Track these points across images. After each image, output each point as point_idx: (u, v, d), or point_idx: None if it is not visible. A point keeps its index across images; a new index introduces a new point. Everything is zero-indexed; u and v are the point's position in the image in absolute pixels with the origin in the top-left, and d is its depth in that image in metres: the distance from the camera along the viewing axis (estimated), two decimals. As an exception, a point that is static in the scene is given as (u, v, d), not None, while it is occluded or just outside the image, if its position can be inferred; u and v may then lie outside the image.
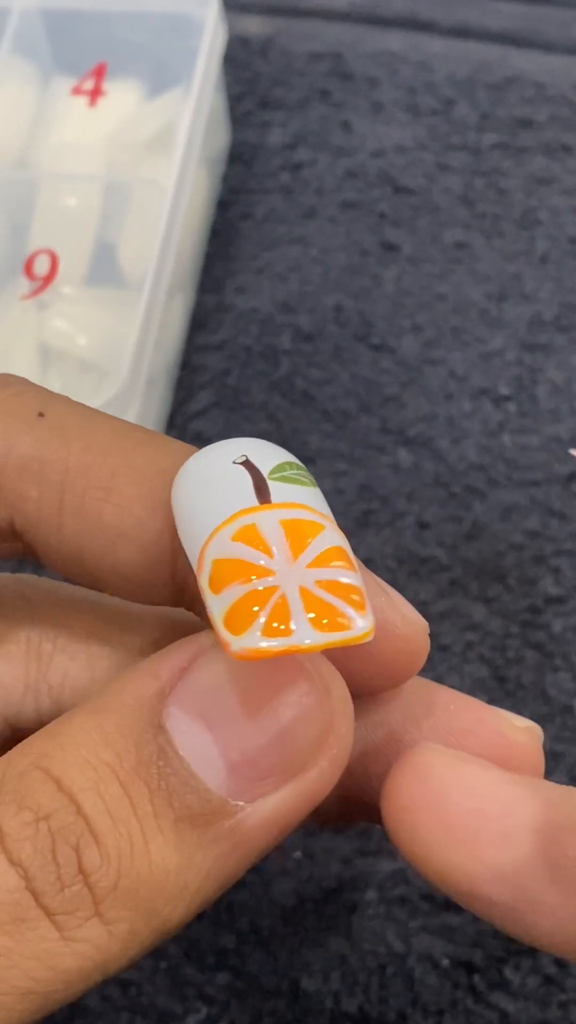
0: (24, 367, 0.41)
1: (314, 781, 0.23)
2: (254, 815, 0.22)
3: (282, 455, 0.23)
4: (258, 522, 0.22)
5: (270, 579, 0.21)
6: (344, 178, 0.47)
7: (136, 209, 0.42)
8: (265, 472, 0.22)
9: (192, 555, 0.22)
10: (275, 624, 0.21)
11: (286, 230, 0.47)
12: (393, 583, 0.40)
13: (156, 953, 0.35)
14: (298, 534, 0.22)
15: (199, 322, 0.45)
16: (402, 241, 0.46)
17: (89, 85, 0.45)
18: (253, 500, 0.22)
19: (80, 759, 0.22)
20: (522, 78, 0.49)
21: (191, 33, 0.44)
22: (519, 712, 0.38)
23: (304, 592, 0.21)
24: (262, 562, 0.21)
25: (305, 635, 0.21)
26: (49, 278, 0.42)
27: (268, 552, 0.21)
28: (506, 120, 0.48)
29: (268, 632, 0.21)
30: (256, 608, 0.21)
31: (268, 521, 0.22)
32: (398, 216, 0.47)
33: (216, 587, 0.21)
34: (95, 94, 0.45)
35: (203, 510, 0.22)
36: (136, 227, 0.42)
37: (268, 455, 0.23)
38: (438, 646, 0.39)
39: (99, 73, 0.45)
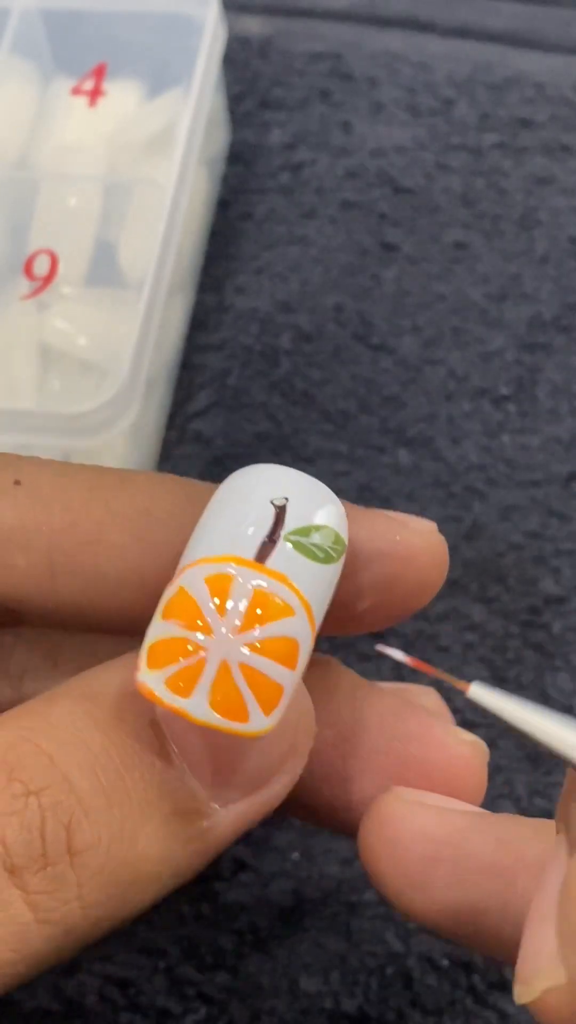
0: (24, 367, 0.41)
1: (275, 794, 0.24)
2: (225, 819, 0.23)
3: (327, 516, 0.23)
4: (236, 577, 0.22)
5: (204, 638, 0.21)
6: (344, 178, 0.47)
7: (136, 209, 0.42)
8: (289, 527, 0.23)
9: (181, 562, 0.22)
10: (180, 683, 0.21)
11: (286, 230, 0.47)
12: (393, 583, 0.40)
13: (155, 953, 0.35)
14: (260, 608, 0.22)
15: (199, 322, 0.45)
16: (402, 241, 0.46)
17: (89, 85, 0.45)
18: (252, 553, 0.22)
19: (75, 739, 0.22)
20: (522, 78, 0.49)
21: (191, 33, 0.44)
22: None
23: (224, 669, 0.21)
24: (209, 619, 0.22)
25: (196, 708, 0.21)
26: (49, 278, 0.42)
27: (221, 611, 0.22)
28: (506, 120, 0.48)
29: (171, 685, 0.21)
30: (175, 656, 0.21)
31: (243, 582, 0.22)
32: (398, 216, 0.47)
33: (166, 613, 0.22)
34: (95, 94, 0.45)
35: (212, 533, 0.23)
36: (136, 227, 0.42)
37: (307, 508, 0.23)
38: (437, 647, 0.39)
39: (99, 73, 0.45)
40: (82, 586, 0.24)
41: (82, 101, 0.45)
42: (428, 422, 0.43)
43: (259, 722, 0.22)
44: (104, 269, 0.42)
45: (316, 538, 0.23)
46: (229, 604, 0.22)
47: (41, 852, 0.21)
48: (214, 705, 0.21)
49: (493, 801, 0.32)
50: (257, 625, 0.22)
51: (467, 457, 0.42)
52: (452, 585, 0.40)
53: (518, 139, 0.48)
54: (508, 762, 0.38)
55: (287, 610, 0.22)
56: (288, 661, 0.22)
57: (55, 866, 0.21)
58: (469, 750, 0.27)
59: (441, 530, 0.41)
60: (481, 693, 0.22)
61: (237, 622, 0.22)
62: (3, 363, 0.41)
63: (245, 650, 0.22)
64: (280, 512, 0.23)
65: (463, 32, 0.51)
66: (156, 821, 0.22)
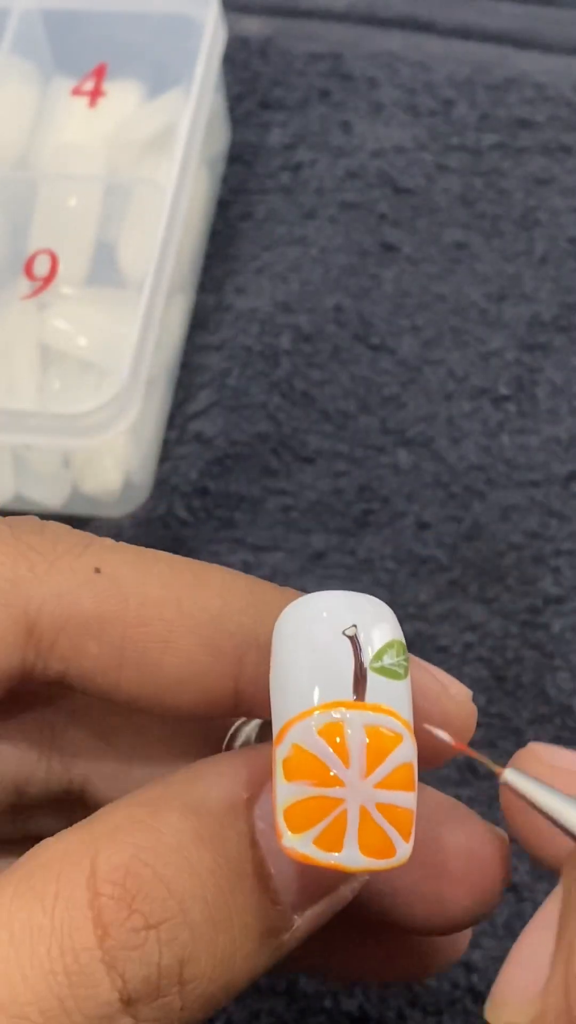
0: (24, 367, 0.41)
1: (343, 897, 0.24)
2: (302, 927, 0.24)
3: (388, 629, 0.24)
4: (346, 722, 0.23)
5: (339, 790, 0.22)
6: (344, 178, 0.47)
7: (136, 209, 0.43)
8: (368, 656, 0.23)
9: (277, 716, 0.23)
10: (328, 840, 0.22)
11: (286, 230, 0.47)
12: (393, 583, 0.40)
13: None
14: (378, 746, 0.23)
15: (199, 322, 0.45)
16: (402, 241, 0.46)
17: (89, 86, 0.45)
18: (349, 691, 0.23)
19: (184, 863, 0.22)
20: (522, 78, 0.49)
21: (191, 34, 0.44)
22: (518, 712, 0.38)
23: (364, 813, 0.22)
24: (336, 772, 0.22)
25: (351, 859, 0.22)
26: (49, 278, 0.42)
27: (346, 760, 0.22)
28: (506, 120, 0.48)
29: (320, 843, 0.22)
30: (318, 816, 0.22)
31: (355, 724, 0.23)
32: (398, 216, 0.47)
33: (289, 774, 0.22)
34: (95, 95, 0.45)
35: (300, 680, 0.23)
36: (136, 227, 0.42)
37: (376, 629, 0.24)
38: (437, 647, 0.39)
39: (99, 74, 0.45)
40: (146, 680, 0.25)
41: (82, 101, 0.45)
42: (428, 422, 0.43)
43: (403, 851, 0.23)
44: (104, 269, 0.42)
45: (390, 657, 0.24)
46: (350, 752, 0.22)
47: (156, 985, 0.21)
48: (364, 851, 0.22)
49: (493, 801, 0.32)
50: (379, 763, 0.23)
51: (467, 457, 0.42)
52: (452, 585, 0.40)
53: (518, 139, 0.48)
54: (508, 761, 0.38)
55: (397, 738, 0.23)
56: (409, 784, 0.23)
57: (166, 997, 0.22)
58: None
59: (441, 530, 0.41)
60: (515, 779, 0.23)
61: (362, 767, 0.22)
62: (3, 363, 0.41)
63: (377, 791, 0.23)
64: (354, 642, 0.23)
65: (463, 32, 0.51)
66: (251, 942, 0.23)
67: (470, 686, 0.39)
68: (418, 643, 0.39)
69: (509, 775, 0.23)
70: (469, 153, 0.48)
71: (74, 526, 0.42)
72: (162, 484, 0.42)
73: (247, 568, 0.41)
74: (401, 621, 0.40)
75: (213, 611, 0.25)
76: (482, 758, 0.23)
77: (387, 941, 0.28)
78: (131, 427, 0.40)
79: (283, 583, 0.41)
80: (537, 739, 0.38)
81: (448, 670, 0.39)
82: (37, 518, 0.26)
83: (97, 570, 0.25)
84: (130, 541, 0.41)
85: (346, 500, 0.42)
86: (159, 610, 0.25)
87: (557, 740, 0.38)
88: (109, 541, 0.26)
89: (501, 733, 0.38)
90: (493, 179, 0.47)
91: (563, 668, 0.39)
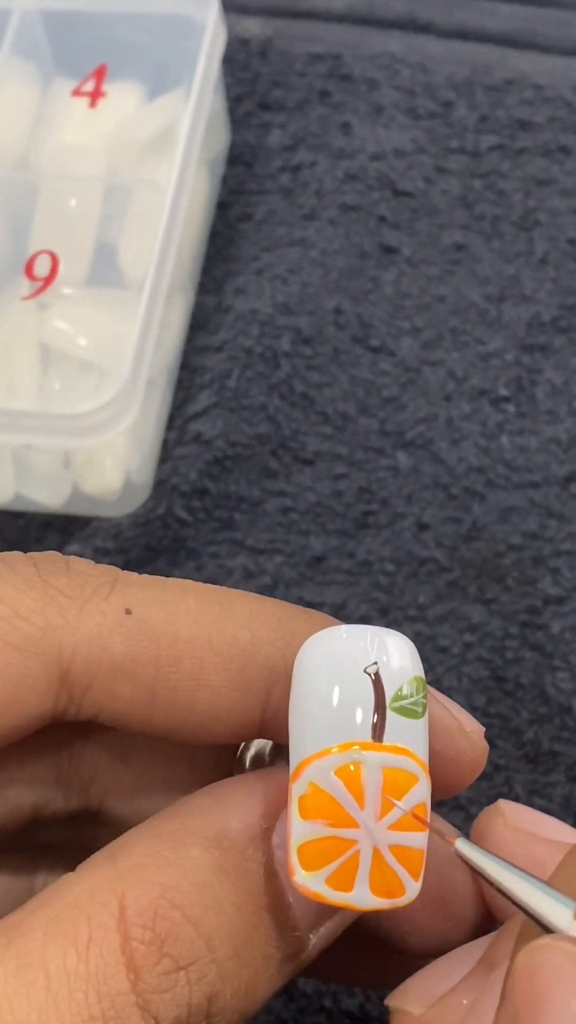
0: (24, 367, 0.41)
1: (353, 914, 0.25)
2: (317, 945, 0.24)
3: (409, 666, 0.24)
4: (363, 763, 0.23)
5: (353, 832, 0.23)
6: (344, 180, 0.47)
7: (136, 210, 0.43)
8: (389, 694, 0.23)
9: (296, 751, 0.23)
10: (340, 879, 0.23)
11: (286, 232, 0.47)
12: (392, 585, 0.40)
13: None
14: (393, 787, 0.23)
15: (199, 323, 0.45)
16: (401, 243, 0.46)
17: (89, 87, 0.45)
18: (368, 731, 0.23)
19: (211, 900, 0.22)
20: (521, 80, 0.49)
21: (191, 35, 0.44)
22: (518, 712, 0.38)
23: (376, 855, 0.23)
24: (352, 813, 0.23)
25: (361, 899, 0.23)
26: (49, 279, 0.42)
27: (361, 802, 0.23)
28: (505, 122, 0.48)
29: (332, 883, 0.23)
30: (331, 856, 0.23)
31: (372, 765, 0.23)
32: (397, 219, 0.47)
33: (305, 813, 0.23)
34: (95, 95, 0.45)
35: (320, 717, 0.23)
36: (136, 228, 0.42)
37: (397, 667, 0.24)
38: (437, 647, 0.40)
39: (99, 74, 0.45)
40: (177, 717, 0.25)
41: (82, 102, 0.45)
42: (427, 424, 0.43)
43: (412, 890, 0.23)
44: (104, 270, 0.42)
45: (410, 695, 0.24)
46: (366, 793, 0.23)
47: (186, 1023, 0.22)
48: (375, 891, 0.23)
49: (492, 800, 0.32)
50: (394, 805, 0.23)
51: (466, 459, 0.42)
52: (451, 586, 0.40)
53: (517, 141, 0.48)
54: (507, 761, 0.38)
55: (413, 779, 0.23)
56: (421, 825, 0.23)
57: None
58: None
59: (440, 532, 0.41)
60: (465, 849, 0.23)
61: (377, 809, 0.23)
62: (4, 363, 0.41)
63: (390, 833, 0.23)
64: (376, 681, 0.24)
65: (462, 34, 0.51)
66: (272, 968, 0.23)
67: (470, 686, 0.39)
68: (418, 644, 0.39)
69: (460, 845, 0.23)
70: (468, 155, 0.48)
71: (74, 526, 0.42)
72: (162, 484, 0.43)
73: (246, 571, 0.41)
74: (401, 622, 0.40)
75: (242, 644, 0.25)
76: (436, 830, 0.23)
77: (387, 956, 0.28)
78: (131, 427, 0.40)
79: (283, 585, 0.41)
80: (536, 739, 0.38)
81: (448, 670, 0.39)
82: (59, 554, 0.26)
83: (128, 611, 0.25)
84: (130, 541, 0.42)
85: (346, 502, 0.42)
86: (190, 648, 0.25)
87: (556, 740, 0.38)
88: (134, 576, 0.26)
89: (501, 733, 0.38)
90: (492, 180, 0.47)
91: (563, 668, 0.39)
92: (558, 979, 0.20)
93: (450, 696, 0.27)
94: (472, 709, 0.39)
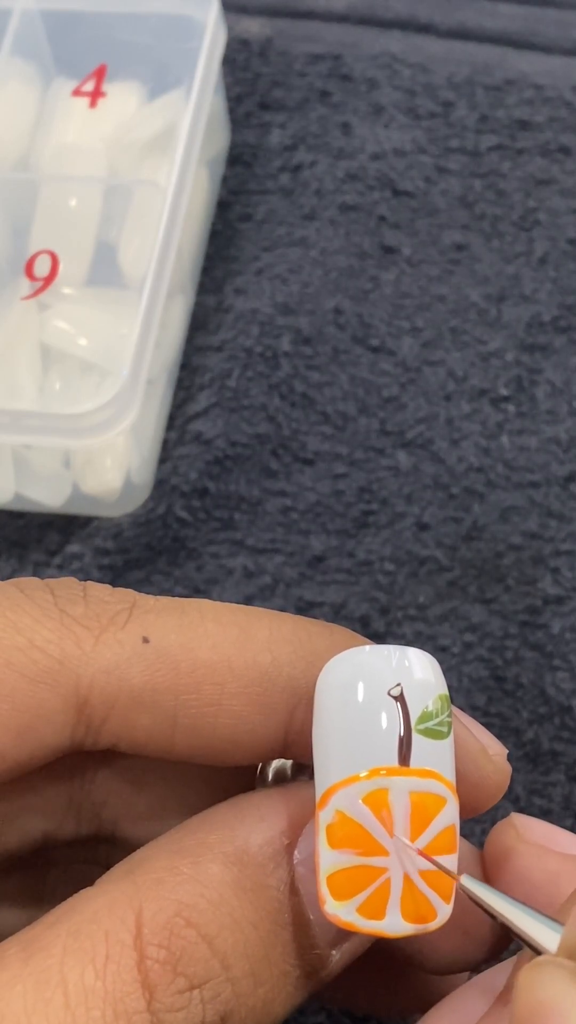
0: (25, 367, 0.41)
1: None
2: (339, 962, 0.24)
3: (433, 685, 0.24)
4: (391, 789, 0.23)
5: (383, 860, 0.23)
6: (344, 180, 0.47)
7: (136, 210, 0.43)
8: (414, 716, 0.23)
9: (321, 777, 0.23)
10: (372, 907, 0.23)
11: (286, 232, 0.47)
12: (392, 584, 0.40)
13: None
14: (422, 812, 0.23)
15: (199, 323, 0.45)
16: (401, 243, 0.46)
17: (90, 87, 0.45)
18: (394, 755, 0.23)
19: (228, 918, 0.22)
20: (521, 80, 0.49)
21: (191, 35, 0.44)
22: (518, 712, 0.38)
23: (407, 881, 0.23)
24: (381, 840, 0.22)
25: (393, 926, 0.23)
26: (50, 279, 0.42)
27: (390, 829, 0.23)
28: (505, 122, 0.48)
29: (363, 911, 0.23)
30: (362, 885, 0.22)
31: (400, 791, 0.23)
32: (397, 219, 0.47)
33: (334, 842, 0.23)
34: (96, 96, 0.45)
35: (345, 743, 0.23)
36: (136, 228, 0.42)
37: (421, 688, 0.23)
38: (437, 647, 0.40)
39: (100, 75, 0.45)
40: (198, 743, 0.25)
41: (83, 102, 0.45)
42: (427, 423, 0.43)
43: (444, 913, 0.23)
44: (104, 270, 0.42)
45: (435, 715, 0.23)
46: (395, 820, 0.23)
47: None
48: (407, 917, 0.23)
49: (499, 807, 0.32)
50: (424, 829, 0.23)
51: (466, 458, 0.42)
52: (451, 586, 0.40)
53: (517, 141, 0.48)
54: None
55: (441, 802, 0.23)
56: (452, 847, 0.23)
57: None
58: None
59: (440, 531, 0.41)
60: (471, 885, 0.23)
61: (407, 834, 0.23)
62: (4, 363, 0.41)
63: (420, 859, 0.23)
64: (402, 703, 0.23)
65: (462, 34, 0.51)
66: (290, 986, 0.23)
67: (470, 686, 0.39)
68: (418, 644, 0.39)
69: (465, 881, 0.23)
70: (468, 155, 0.48)
71: (74, 526, 0.42)
72: (162, 484, 0.43)
73: (246, 571, 0.41)
74: (401, 622, 0.40)
75: (263, 667, 0.25)
76: (444, 867, 0.23)
77: (402, 975, 0.28)
78: (131, 427, 0.40)
79: (283, 585, 0.41)
80: (536, 739, 0.38)
81: (448, 670, 0.39)
82: (76, 581, 0.25)
83: (145, 639, 0.24)
84: (130, 541, 0.42)
85: (346, 501, 0.42)
86: (210, 674, 0.25)
87: (556, 740, 0.38)
88: (151, 600, 0.25)
89: (501, 733, 0.38)
90: (492, 180, 0.47)
91: (563, 668, 0.39)
92: (556, 993, 0.20)
93: (450, 696, 0.27)
94: (472, 709, 0.39)
